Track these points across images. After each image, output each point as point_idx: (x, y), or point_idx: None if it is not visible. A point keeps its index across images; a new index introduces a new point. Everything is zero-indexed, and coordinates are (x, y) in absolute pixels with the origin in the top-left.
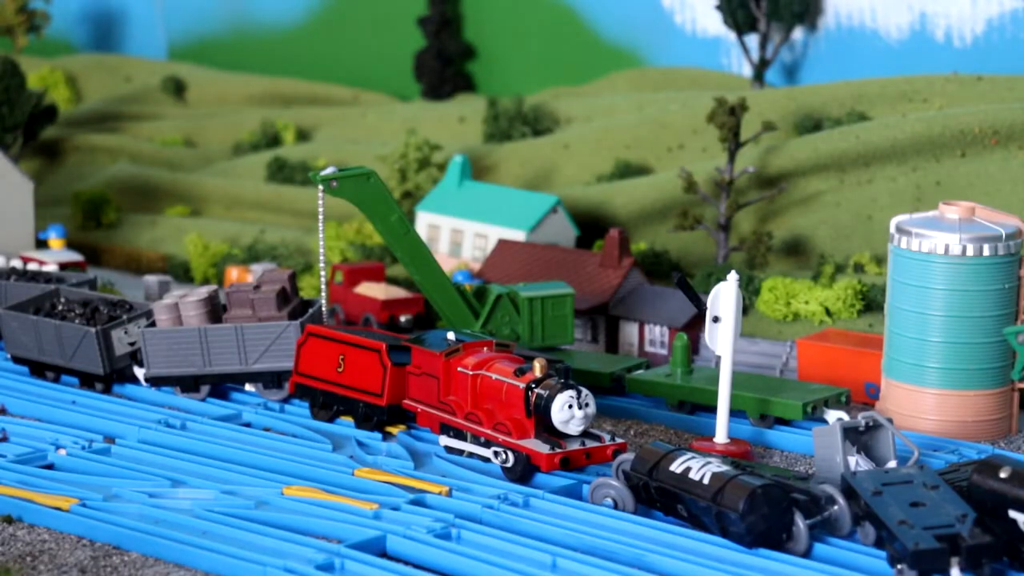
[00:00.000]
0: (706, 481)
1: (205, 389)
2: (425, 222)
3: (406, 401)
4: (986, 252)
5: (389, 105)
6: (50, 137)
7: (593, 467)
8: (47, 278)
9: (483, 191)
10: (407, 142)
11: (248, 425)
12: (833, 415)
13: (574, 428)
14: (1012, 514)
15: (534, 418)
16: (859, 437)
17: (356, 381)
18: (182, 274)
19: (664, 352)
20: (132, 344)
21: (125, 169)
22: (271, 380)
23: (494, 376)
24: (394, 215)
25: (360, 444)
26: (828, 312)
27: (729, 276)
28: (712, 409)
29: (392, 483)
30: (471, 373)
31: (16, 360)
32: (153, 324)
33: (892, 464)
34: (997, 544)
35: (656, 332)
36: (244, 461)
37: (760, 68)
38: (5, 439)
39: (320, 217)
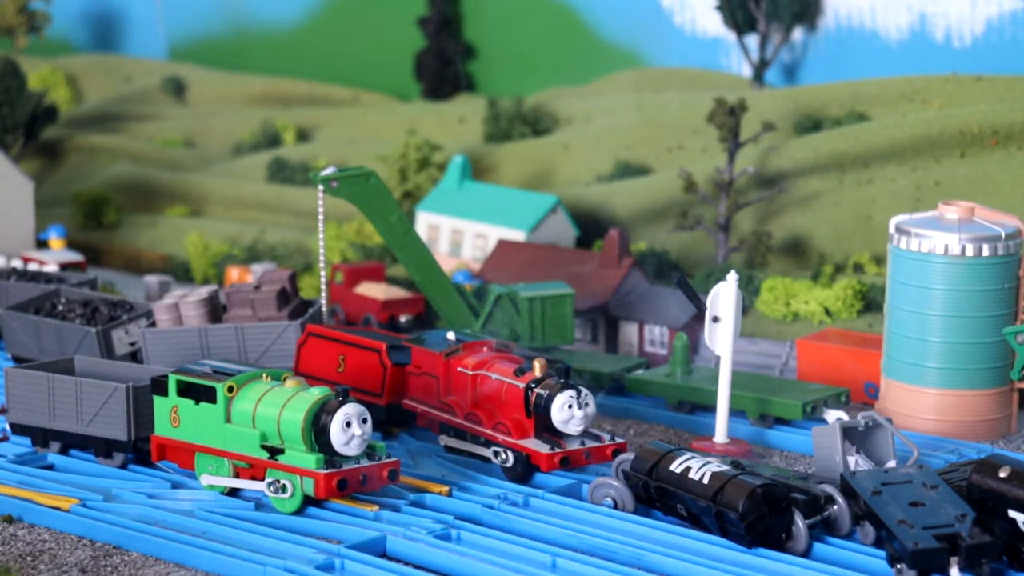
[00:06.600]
0: (706, 481)
1: None
2: (425, 222)
3: (406, 401)
4: (985, 252)
5: (389, 105)
6: (50, 137)
7: (593, 467)
8: (48, 278)
9: (483, 191)
10: (407, 142)
11: None
12: (832, 415)
13: (574, 428)
14: (1012, 514)
15: (534, 418)
16: (859, 437)
17: (356, 381)
18: (182, 274)
19: (664, 352)
20: (132, 344)
21: (125, 169)
22: None
23: (494, 376)
24: (394, 215)
25: None
26: (828, 312)
27: (729, 276)
28: (712, 409)
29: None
30: (471, 373)
31: (16, 360)
32: (153, 324)
33: (892, 464)
34: (996, 544)
35: (656, 332)
36: None
37: (760, 68)
38: (5, 439)
39: (320, 217)
